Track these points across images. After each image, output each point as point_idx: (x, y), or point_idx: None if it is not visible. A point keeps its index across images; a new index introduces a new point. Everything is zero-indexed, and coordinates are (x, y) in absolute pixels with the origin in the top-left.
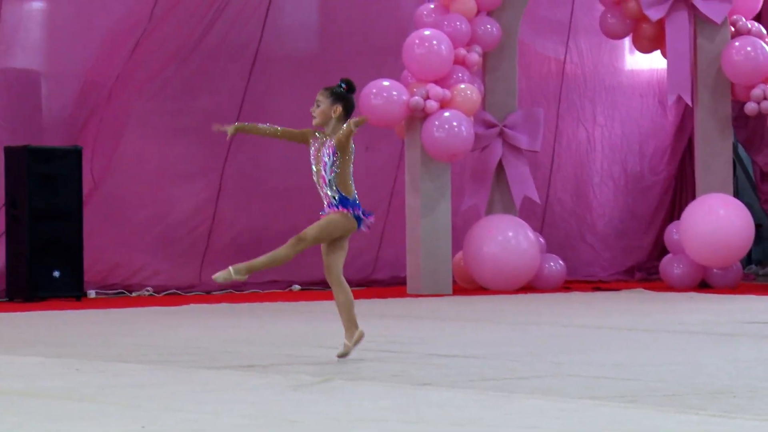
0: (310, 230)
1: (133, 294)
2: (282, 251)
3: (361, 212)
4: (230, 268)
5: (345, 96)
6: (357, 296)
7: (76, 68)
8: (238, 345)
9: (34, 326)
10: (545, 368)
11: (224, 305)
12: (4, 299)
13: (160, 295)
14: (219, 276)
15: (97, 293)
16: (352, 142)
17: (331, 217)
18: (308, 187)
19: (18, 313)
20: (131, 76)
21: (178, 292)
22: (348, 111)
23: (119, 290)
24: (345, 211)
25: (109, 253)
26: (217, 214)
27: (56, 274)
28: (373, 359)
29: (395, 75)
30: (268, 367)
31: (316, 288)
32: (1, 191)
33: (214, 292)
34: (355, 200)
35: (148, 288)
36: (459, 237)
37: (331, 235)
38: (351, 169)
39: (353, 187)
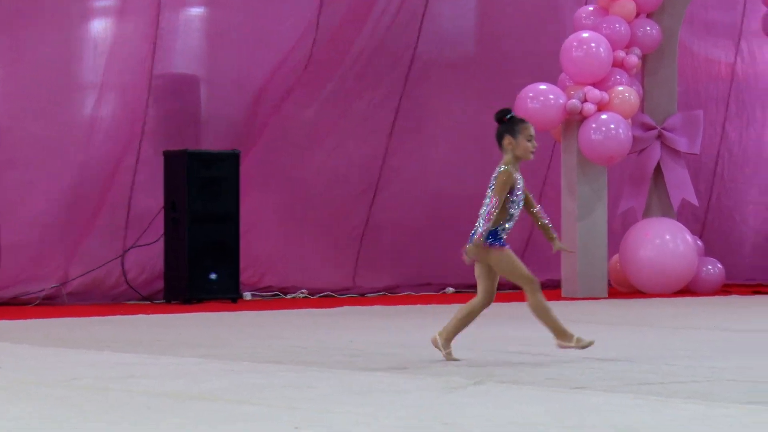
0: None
1: (288, 296)
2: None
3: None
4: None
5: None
6: (507, 300)
7: (233, 73)
8: (393, 347)
9: (190, 327)
10: (703, 373)
11: (378, 307)
12: (162, 301)
13: (315, 297)
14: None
15: (252, 295)
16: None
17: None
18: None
19: (175, 314)
20: (299, 83)
21: (333, 294)
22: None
23: (274, 292)
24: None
25: (264, 257)
26: (372, 217)
27: (213, 276)
28: (527, 362)
29: (553, 79)
30: (422, 369)
31: (470, 291)
32: (161, 195)
33: (368, 294)
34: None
35: (303, 290)
36: (616, 240)
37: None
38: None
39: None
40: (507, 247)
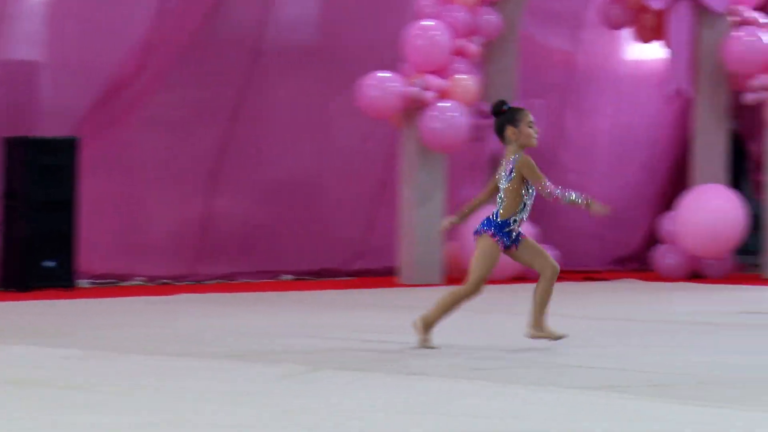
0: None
1: (125, 284)
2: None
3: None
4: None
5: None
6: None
7: (75, 60)
8: (230, 335)
9: (25, 315)
10: (535, 358)
11: (216, 295)
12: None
13: (152, 284)
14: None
15: (90, 283)
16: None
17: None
18: (306, 182)
19: (11, 302)
20: (136, 69)
21: (170, 282)
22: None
23: (112, 280)
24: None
25: (103, 245)
26: (211, 204)
27: (50, 263)
28: (362, 349)
29: (396, 67)
30: (260, 356)
31: (307, 278)
32: (2, 182)
33: (206, 282)
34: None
35: (141, 278)
36: (455, 228)
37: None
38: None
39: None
40: (501, 248)
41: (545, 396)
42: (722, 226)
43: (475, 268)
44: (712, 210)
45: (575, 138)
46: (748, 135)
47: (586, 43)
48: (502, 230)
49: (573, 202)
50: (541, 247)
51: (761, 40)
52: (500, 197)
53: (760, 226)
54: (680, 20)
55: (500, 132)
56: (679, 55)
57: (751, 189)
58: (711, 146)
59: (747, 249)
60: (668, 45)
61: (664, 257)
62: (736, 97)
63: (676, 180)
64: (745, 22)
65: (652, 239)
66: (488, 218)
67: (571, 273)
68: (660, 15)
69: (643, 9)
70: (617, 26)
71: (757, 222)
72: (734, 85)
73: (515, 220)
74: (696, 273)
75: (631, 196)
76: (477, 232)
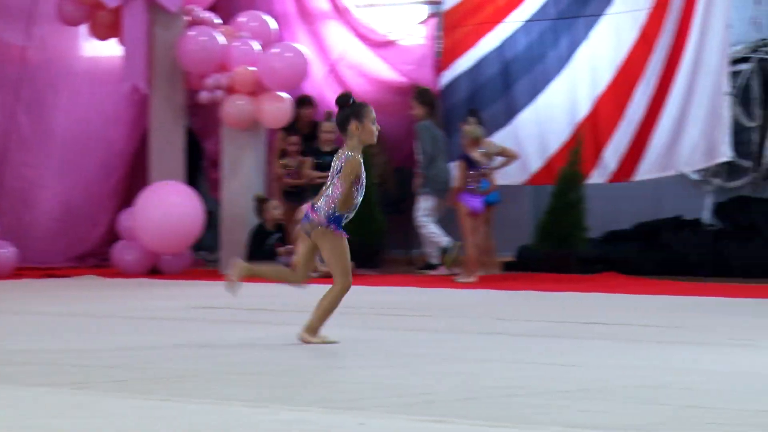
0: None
1: None
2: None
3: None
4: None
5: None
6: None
7: None
8: None
9: None
10: None
11: None
12: None
13: None
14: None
15: None
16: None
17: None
18: None
19: None
20: None
21: None
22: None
23: None
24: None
25: None
26: None
27: None
28: None
29: None
30: None
31: None
32: None
33: None
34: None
35: None
36: None
37: None
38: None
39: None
40: (345, 236)
41: (7, 394)
42: (180, 223)
43: (334, 266)
44: (169, 206)
45: (30, 134)
46: (203, 133)
47: (41, 39)
48: (339, 223)
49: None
50: (339, 259)
51: (215, 39)
52: (332, 184)
53: (216, 222)
54: (134, 18)
55: (343, 125)
56: (135, 53)
57: (207, 186)
58: (168, 144)
59: (204, 245)
60: (123, 43)
61: (123, 253)
62: (191, 95)
63: (135, 177)
64: (199, 22)
65: (113, 236)
66: (327, 213)
67: (31, 270)
68: (116, 12)
69: (99, 6)
70: (73, 22)
71: (213, 219)
72: (189, 83)
73: (346, 217)
74: (155, 269)
75: (90, 193)
76: (315, 227)
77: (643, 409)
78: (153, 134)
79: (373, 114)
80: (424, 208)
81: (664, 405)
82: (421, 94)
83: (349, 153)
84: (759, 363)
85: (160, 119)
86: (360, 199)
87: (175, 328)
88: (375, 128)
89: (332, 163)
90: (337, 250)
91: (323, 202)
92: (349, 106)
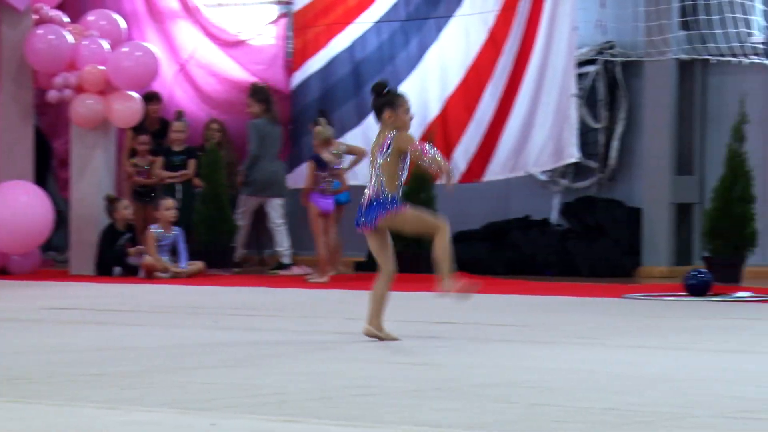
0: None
1: None
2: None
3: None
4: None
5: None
6: None
7: None
8: None
9: None
10: None
11: None
12: None
13: None
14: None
15: None
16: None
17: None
18: None
19: None
20: None
21: None
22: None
23: None
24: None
25: None
26: None
27: None
28: None
29: None
30: None
31: None
32: None
33: None
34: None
35: None
36: None
37: None
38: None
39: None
40: (407, 205)
41: None
42: (28, 223)
43: (424, 226)
44: (18, 206)
45: None
46: (52, 132)
47: None
48: (395, 201)
49: (437, 163)
50: (420, 221)
51: (63, 38)
52: (376, 175)
53: (65, 222)
54: None
55: (379, 112)
56: None
57: (56, 186)
58: (16, 143)
59: (53, 245)
60: None
61: None
62: (40, 94)
63: None
64: (47, 21)
65: None
66: (378, 201)
67: None
68: None
69: None
70: None
71: (62, 219)
72: (38, 82)
73: (402, 191)
74: (4, 269)
75: None
76: (379, 216)
77: (493, 407)
78: (1, 134)
79: (408, 104)
80: (242, 210)
81: (514, 403)
82: (256, 92)
83: (393, 132)
84: (605, 361)
85: (8, 118)
86: (405, 177)
87: (24, 329)
88: (408, 117)
89: (371, 151)
90: (411, 217)
91: (431, 153)
92: (384, 95)
